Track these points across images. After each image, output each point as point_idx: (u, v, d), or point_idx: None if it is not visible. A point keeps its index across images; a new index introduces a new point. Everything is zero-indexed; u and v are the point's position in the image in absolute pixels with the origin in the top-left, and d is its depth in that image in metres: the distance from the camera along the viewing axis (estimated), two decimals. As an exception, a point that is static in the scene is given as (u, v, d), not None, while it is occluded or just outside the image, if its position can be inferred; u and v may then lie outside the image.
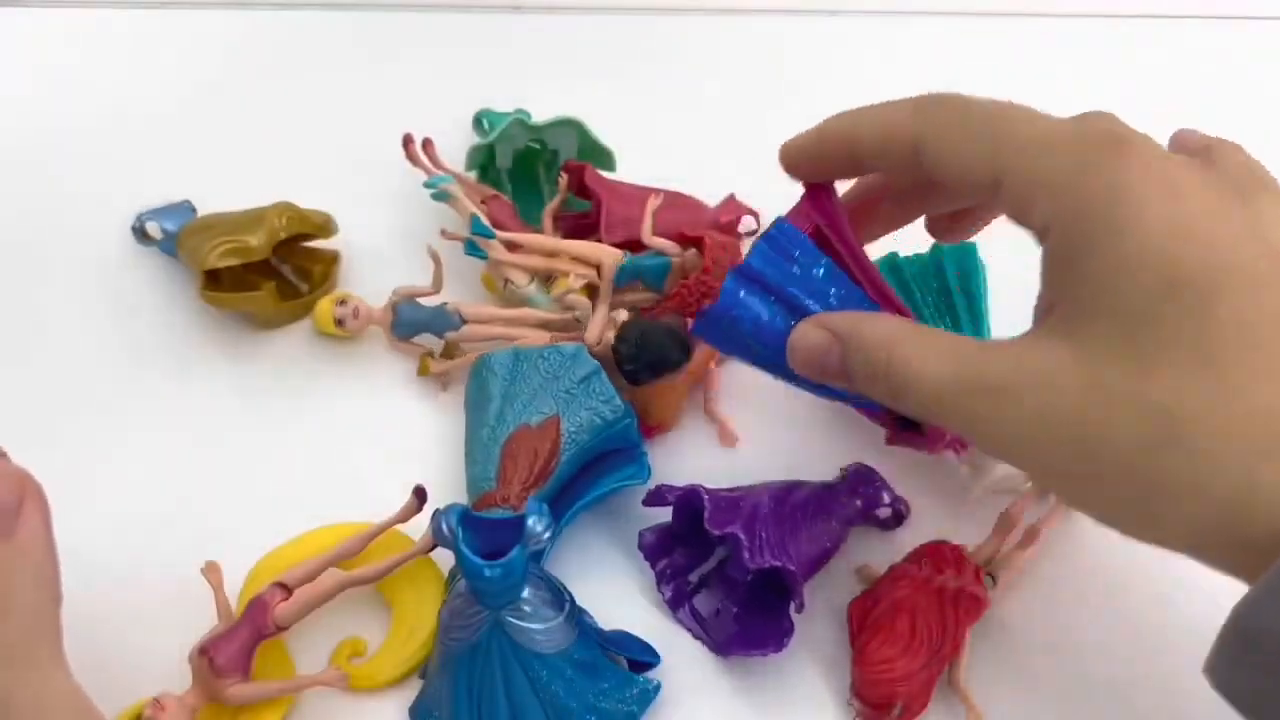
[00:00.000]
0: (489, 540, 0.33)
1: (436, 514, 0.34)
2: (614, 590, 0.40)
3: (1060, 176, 0.27)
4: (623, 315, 0.44)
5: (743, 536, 0.36)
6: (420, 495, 0.39)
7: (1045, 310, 0.29)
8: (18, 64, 0.63)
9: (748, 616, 0.39)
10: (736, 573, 0.38)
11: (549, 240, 0.47)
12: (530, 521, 0.33)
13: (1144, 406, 0.25)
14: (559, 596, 0.35)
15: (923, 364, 0.29)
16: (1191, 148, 0.30)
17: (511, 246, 0.47)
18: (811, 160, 0.34)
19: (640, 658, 0.38)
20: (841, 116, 0.33)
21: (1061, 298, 0.28)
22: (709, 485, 0.40)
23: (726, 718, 0.37)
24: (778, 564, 0.36)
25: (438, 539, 0.33)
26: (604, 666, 0.36)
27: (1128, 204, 0.26)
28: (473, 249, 0.46)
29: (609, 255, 0.47)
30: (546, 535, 0.33)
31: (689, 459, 0.44)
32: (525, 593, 0.34)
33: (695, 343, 0.42)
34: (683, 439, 0.45)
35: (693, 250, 0.48)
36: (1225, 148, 0.30)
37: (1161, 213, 0.26)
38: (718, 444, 0.45)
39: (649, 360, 0.41)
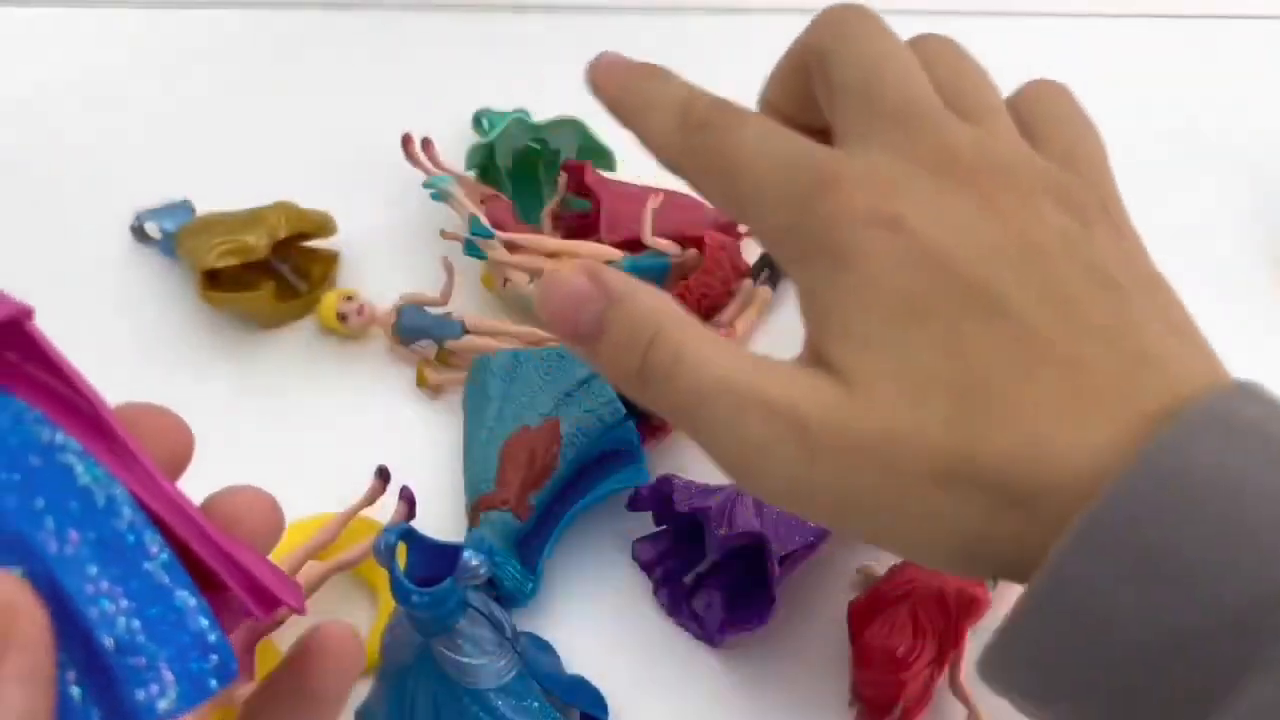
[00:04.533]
0: (433, 564, 0.32)
1: (380, 532, 0.33)
2: (612, 591, 0.40)
3: (780, 225, 0.26)
4: None
5: (712, 510, 0.37)
6: (384, 476, 0.39)
7: (810, 355, 0.26)
8: (18, 64, 0.63)
9: (735, 604, 0.39)
10: (713, 551, 0.38)
11: (549, 240, 0.47)
12: (465, 555, 0.31)
13: (923, 447, 0.23)
14: (499, 634, 0.34)
15: (697, 359, 0.25)
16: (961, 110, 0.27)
17: (511, 247, 0.47)
18: (610, 102, 0.30)
19: (588, 709, 0.37)
20: (634, 93, 0.30)
21: (822, 344, 0.25)
22: (709, 486, 0.40)
23: (726, 718, 0.37)
24: (751, 530, 0.36)
25: (376, 557, 0.32)
26: (542, 712, 0.34)
27: (845, 251, 0.24)
28: (472, 249, 0.46)
29: (609, 255, 0.47)
30: (483, 572, 0.31)
31: (689, 461, 0.44)
32: (461, 625, 0.33)
33: None
34: (682, 441, 0.45)
35: (693, 250, 0.48)
36: (1034, 105, 0.28)
37: (879, 248, 0.24)
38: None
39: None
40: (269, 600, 0.20)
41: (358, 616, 0.39)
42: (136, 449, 0.19)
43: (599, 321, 0.26)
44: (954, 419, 0.23)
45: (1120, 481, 0.21)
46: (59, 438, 0.18)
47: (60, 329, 0.54)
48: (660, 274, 0.47)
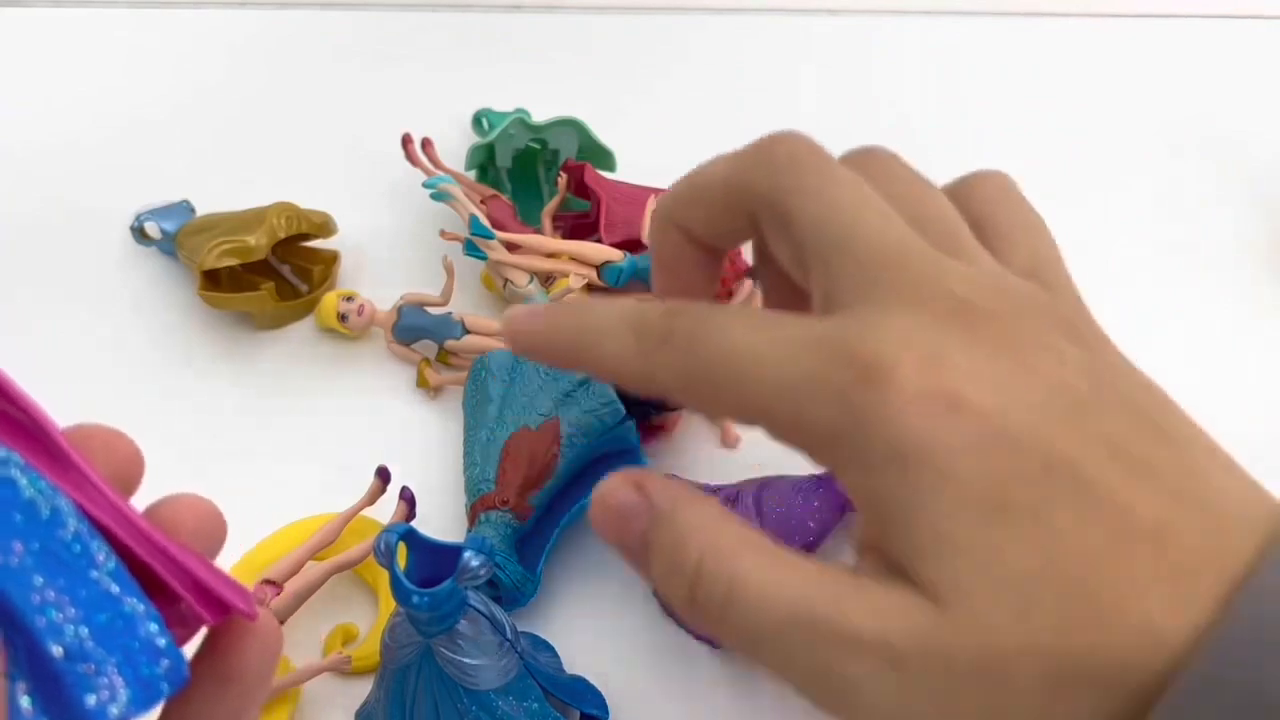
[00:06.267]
0: (433, 565, 0.32)
1: (381, 532, 0.32)
2: (612, 591, 0.40)
3: (825, 437, 0.22)
4: None
5: None
6: (384, 476, 0.39)
7: (868, 548, 0.23)
8: (18, 64, 0.63)
9: None
10: None
11: (548, 240, 0.47)
12: (465, 556, 0.31)
13: (1034, 656, 0.21)
14: (500, 634, 0.34)
15: (756, 587, 0.22)
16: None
17: (511, 247, 0.47)
18: (536, 354, 0.27)
19: (588, 709, 0.37)
20: (566, 322, 0.26)
21: (895, 550, 0.22)
22: (709, 487, 0.40)
23: (726, 718, 0.37)
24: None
25: (377, 557, 0.32)
26: (542, 713, 0.35)
27: (909, 449, 0.22)
28: (472, 249, 0.46)
29: (609, 256, 0.47)
30: (484, 572, 0.31)
31: (689, 461, 0.44)
32: (461, 625, 0.32)
33: None
34: (682, 441, 0.45)
35: None
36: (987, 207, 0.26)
37: (948, 440, 0.21)
38: (717, 446, 0.45)
39: (655, 402, 0.41)
40: (220, 607, 0.20)
41: (358, 616, 0.39)
42: (81, 463, 0.19)
43: (642, 542, 0.24)
44: (1063, 622, 0.21)
45: (1219, 640, 0.20)
46: (1, 452, 0.18)
47: (60, 329, 0.54)
48: None
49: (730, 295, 0.49)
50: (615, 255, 0.47)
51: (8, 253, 0.52)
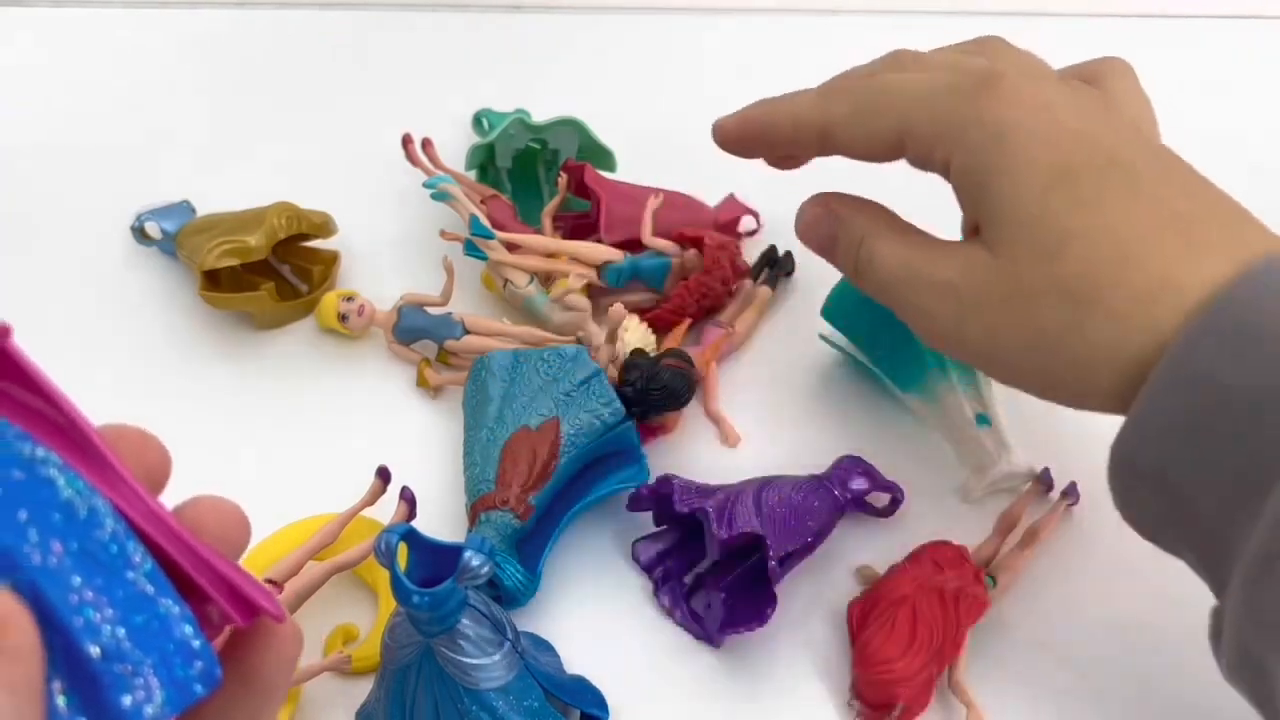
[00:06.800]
0: (434, 565, 0.32)
1: (381, 532, 0.32)
2: (612, 591, 0.40)
3: (948, 125, 0.32)
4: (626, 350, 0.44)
5: (711, 511, 0.37)
6: (385, 476, 0.39)
7: (970, 229, 0.33)
8: (18, 64, 0.63)
9: (735, 604, 0.39)
10: (713, 551, 0.38)
11: (548, 240, 0.47)
12: (466, 555, 0.31)
13: (1059, 292, 0.30)
14: (500, 634, 0.34)
15: (886, 255, 0.34)
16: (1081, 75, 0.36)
17: (511, 247, 0.47)
18: (736, 143, 0.38)
19: (588, 709, 0.37)
20: (760, 107, 0.38)
21: (977, 216, 0.32)
22: (709, 486, 0.40)
23: (726, 718, 0.37)
24: (746, 530, 0.36)
25: (377, 557, 0.31)
26: (542, 712, 0.35)
27: (1006, 127, 0.31)
28: (472, 250, 0.46)
29: (609, 256, 0.47)
30: (484, 572, 0.31)
31: (688, 461, 0.44)
32: (462, 625, 0.32)
33: (699, 377, 0.42)
34: (682, 441, 0.45)
35: (693, 250, 0.48)
36: (1104, 67, 0.36)
37: (1035, 126, 0.31)
38: (717, 445, 0.45)
39: (655, 402, 0.41)
40: (250, 608, 0.20)
41: (358, 616, 0.39)
42: (117, 464, 0.19)
43: (832, 236, 0.36)
44: (1089, 267, 0.29)
45: (1236, 286, 0.27)
46: (40, 452, 0.18)
47: (61, 329, 0.54)
48: (661, 274, 0.47)
49: (730, 296, 0.49)
50: (615, 255, 0.47)
51: (8, 253, 0.52)
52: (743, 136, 0.38)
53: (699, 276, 0.47)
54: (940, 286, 0.32)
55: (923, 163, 0.34)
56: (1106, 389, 0.30)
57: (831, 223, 0.36)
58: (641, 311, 0.47)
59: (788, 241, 0.47)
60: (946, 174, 0.33)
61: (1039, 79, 0.32)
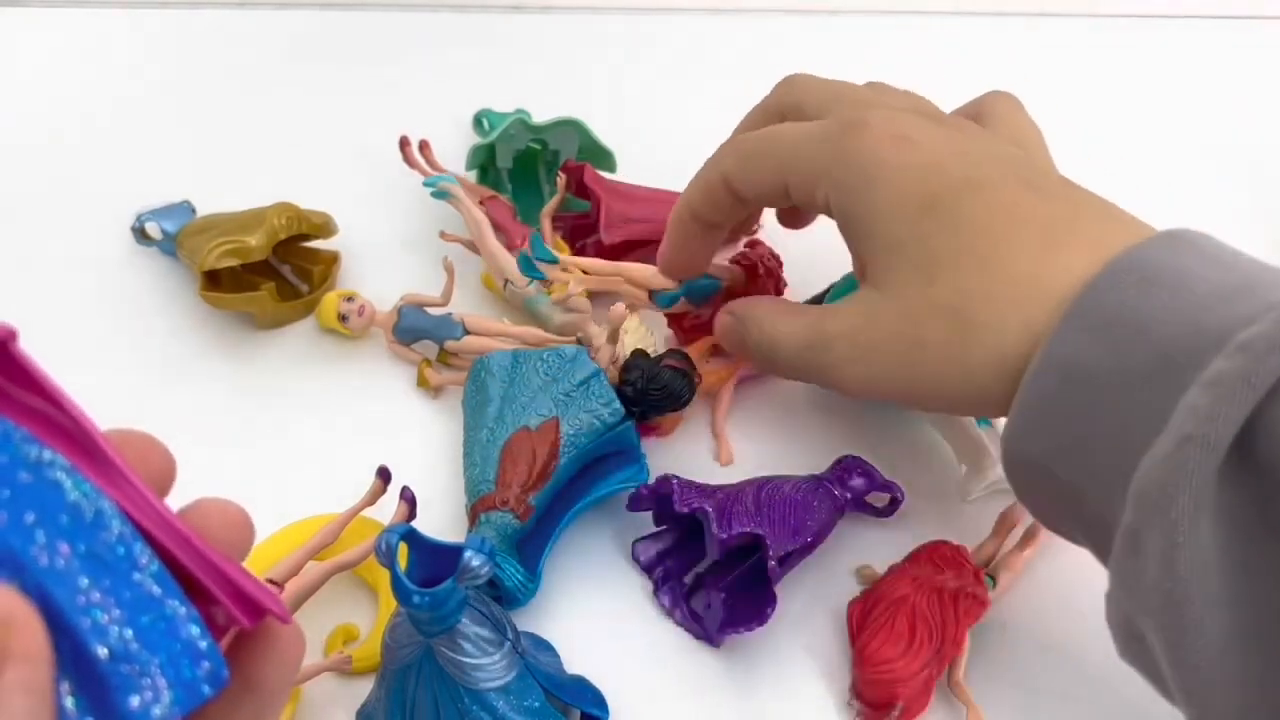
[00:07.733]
0: (434, 565, 0.32)
1: (381, 532, 0.32)
2: (612, 591, 0.40)
3: (822, 166, 0.34)
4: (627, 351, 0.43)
5: (711, 511, 0.37)
6: (385, 476, 0.39)
7: (859, 270, 0.35)
8: (18, 64, 0.63)
9: (735, 604, 0.39)
10: (712, 551, 0.38)
11: (607, 264, 0.45)
12: (466, 555, 0.31)
13: (939, 311, 0.31)
14: (500, 634, 0.34)
15: (784, 335, 0.36)
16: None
17: (565, 269, 0.44)
18: (683, 266, 0.42)
19: (588, 709, 0.37)
20: (671, 221, 0.41)
21: (860, 254, 0.34)
22: (709, 486, 0.40)
23: (726, 718, 0.37)
24: (745, 530, 0.36)
25: (377, 557, 0.31)
26: (543, 712, 0.35)
27: (871, 165, 0.33)
28: (529, 268, 0.44)
29: (662, 284, 0.44)
30: (485, 572, 0.31)
31: (688, 461, 0.44)
32: (462, 625, 0.32)
33: (700, 379, 0.42)
34: (682, 441, 0.45)
35: (740, 270, 0.46)
36: (987, 100, 0.39)
37: (897, 161, 0.33)
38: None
39: (655, 402, 0.41)
40: (255, 610, 0.20)
41: (358, 616, 0.39)
42: (123, 466, 0.19)
43: (740, 335, 0.39)
44: (963, 282, 0.31)
45: (1098, 277, 0.29)
46: (46, 454, 0.18)
47: (61, 329, 0.54)
48: (708, 294, 0.46)
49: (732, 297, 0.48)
50: (669, 284, 0.44)
51: (8, 253, 0.52)
52: (682, 249, 0.41)
53: (744, 291, 0.46)
54: (838, 338, 0.34)
55: (808, 205, 0.36)
56: (999, 394, 0.31)
57: (736, 324, 0.39)
58: (679, 319, 0.47)
59: (788, 240, 0.47)
60: (829, 214, 0.35)
61: (903, 115, 0.34)
